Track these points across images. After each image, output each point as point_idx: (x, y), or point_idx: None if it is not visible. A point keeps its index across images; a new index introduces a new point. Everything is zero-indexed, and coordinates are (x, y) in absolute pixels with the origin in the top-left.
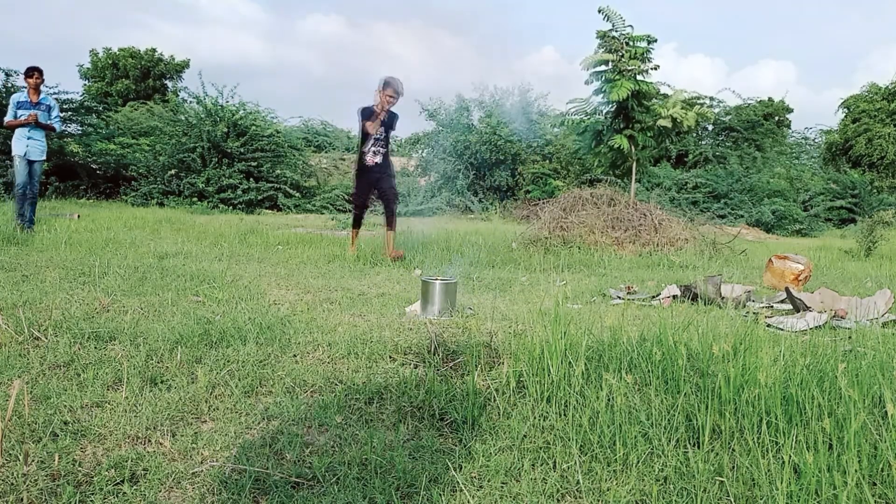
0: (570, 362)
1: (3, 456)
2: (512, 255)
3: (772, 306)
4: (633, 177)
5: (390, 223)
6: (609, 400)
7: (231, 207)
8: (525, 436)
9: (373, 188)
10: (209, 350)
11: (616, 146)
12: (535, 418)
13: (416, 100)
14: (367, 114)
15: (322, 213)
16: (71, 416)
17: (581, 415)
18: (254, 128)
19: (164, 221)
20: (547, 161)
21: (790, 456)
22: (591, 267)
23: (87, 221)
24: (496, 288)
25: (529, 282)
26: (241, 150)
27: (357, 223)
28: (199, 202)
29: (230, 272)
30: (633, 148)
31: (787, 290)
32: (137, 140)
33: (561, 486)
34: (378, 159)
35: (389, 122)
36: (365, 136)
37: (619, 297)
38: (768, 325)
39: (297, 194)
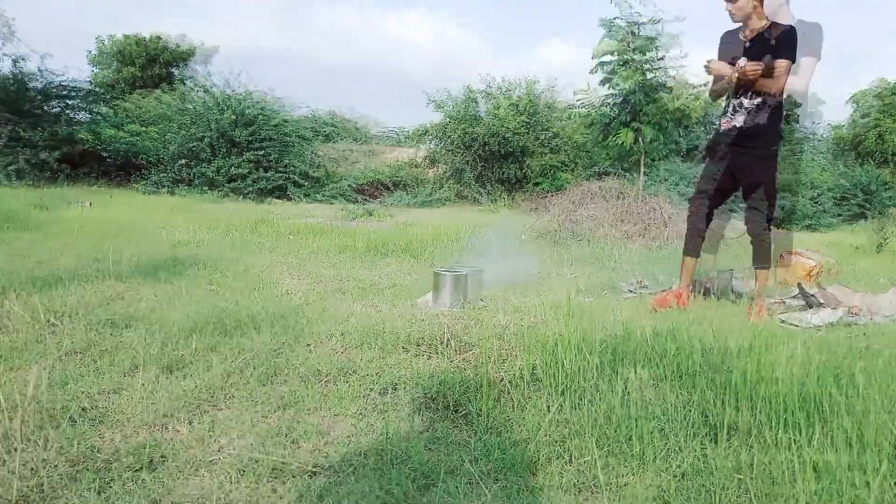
0: (584, 356)
1: (23, 441)
2: (522, 248)
3: (784, 302)
4: (642, 170)
5: (758, 252)
6: (624, 394)
7: (241, 196)
8: (540, 429)
9: (730, 174)
10: (224, 338)
11: (621, 142)
12: (549, 412)
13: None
14: (722, 46)
15: (332, 203)
16: (89, 402)
17: (596, 409)
18: (261, 117)
19: (175, 210)
20: (555, 154)
21: (810, 454)
22: (601, 260)
23: (99, 209)
24: (507, 280)
25: (540, 274)
26: (250, 139)
27: (692, 246)
28: (209, 191)
29: (242, 261)
30: (640, 141)
31: (799, 285)
32: (146, 128)
33: (578, 481)
34: (739, 121)
35: (764, 50)
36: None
37: (631, 291)
38: (781, 322)
39: (307, 184)
